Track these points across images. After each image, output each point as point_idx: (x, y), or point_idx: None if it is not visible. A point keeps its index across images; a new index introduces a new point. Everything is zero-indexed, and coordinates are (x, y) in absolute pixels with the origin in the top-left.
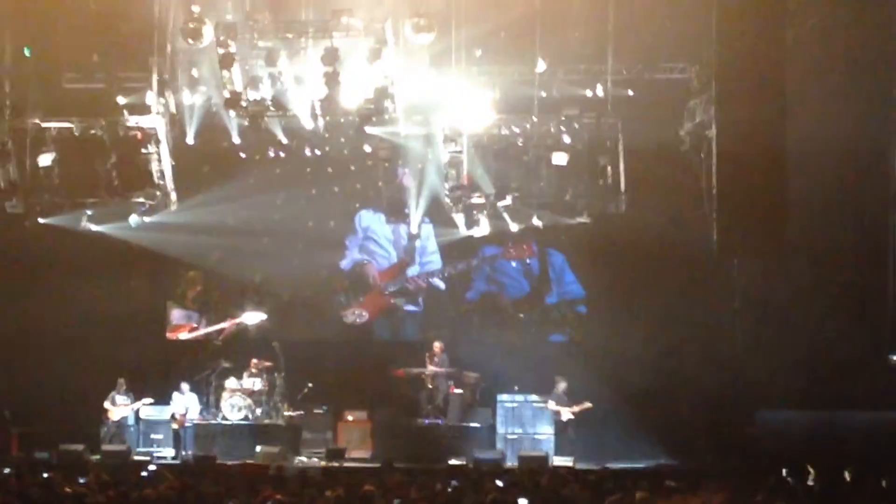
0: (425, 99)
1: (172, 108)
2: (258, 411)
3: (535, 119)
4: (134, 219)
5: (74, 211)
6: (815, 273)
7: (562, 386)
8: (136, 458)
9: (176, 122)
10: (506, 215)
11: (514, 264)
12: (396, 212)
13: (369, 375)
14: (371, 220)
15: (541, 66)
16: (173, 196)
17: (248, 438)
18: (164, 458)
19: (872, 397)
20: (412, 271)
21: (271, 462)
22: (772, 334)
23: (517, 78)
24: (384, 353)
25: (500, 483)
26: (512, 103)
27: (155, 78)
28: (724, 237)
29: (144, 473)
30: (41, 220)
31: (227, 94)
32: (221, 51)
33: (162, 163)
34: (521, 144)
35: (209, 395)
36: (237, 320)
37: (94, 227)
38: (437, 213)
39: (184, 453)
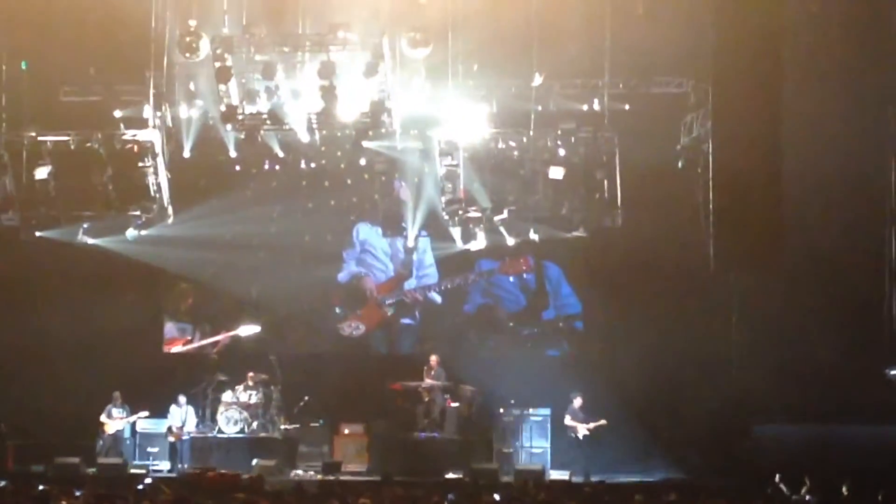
0: (422, 113)
1: (169, 122)
2: (254, 424)
3: (531, 133)
4: (131, 232)
5: (71, 224)
6: (812, 288)
7: (577, 402)
8: (133, 471)
9: (172, 136)
10: (502, 229)
11: (511, 278)
12: (393, 225)
13: (366, 389)
14: (368, 234)
15: (537, 80)
16: (170, 209)
17: (244, 452)
18: (161, 471)
19: (869, 412)
20: (409, 284)
21: (268, 475)
22: (769, 349)
23: (514, 92)
24: (381, 366)
25: (496, 497)
26: (508, 117)
27: (152, 91)
28: (720, 251)
29: (140, 487)
30: (37, 234)
31: (223, 108)
32: (218, 64)
33: (158, 176)
34: (517, 158)
35: (205, 409)
36: (231, 333)
37: (90, 241)
38: (433, 227)
39: (180, 466)
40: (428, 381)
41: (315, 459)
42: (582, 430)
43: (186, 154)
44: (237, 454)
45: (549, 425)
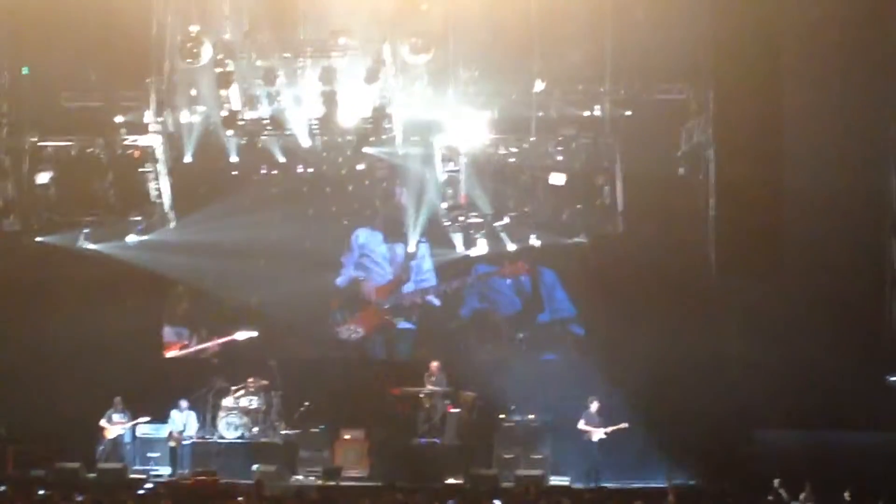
0: (423, 118)
1: (170, 127)
2: (255, 430)
3: (532, 139)
4: (131, 238)
5: (72, 229)
6: (813, 294)
7: (594, 406)
8: (132, 476)
9: (173, 142)
10: (503, 235)
11: (507, 281)
12: (394, 231)
13: (366, 394)
14: (367, 238)
15: (538, 86)
16: (171, 215)
17: (244, 457)
18: (161, 476)
19: (870, 418)
20: (407, 288)
21: (268, 481)
22: (770, 355)
23: (515, 98)
24: (381, 372)
25: (497, 502)
26: (509, 123)
27: (153, 97)
28: (721, 258)
29: (141, 492)
30: (38, 239)
31: (224, 114)
32: (219, 70)
33: (159, 182)
34: (518, 164)
35: (206, 414)
36: (228, 338)
37: (91, 246)
38: (434, 233)
39: (180, 472)
40: (428, 387)
41: (315, 465)
42: (597, 434)
43: (187, 160)
44: (238, 459)
45: (549, 431)
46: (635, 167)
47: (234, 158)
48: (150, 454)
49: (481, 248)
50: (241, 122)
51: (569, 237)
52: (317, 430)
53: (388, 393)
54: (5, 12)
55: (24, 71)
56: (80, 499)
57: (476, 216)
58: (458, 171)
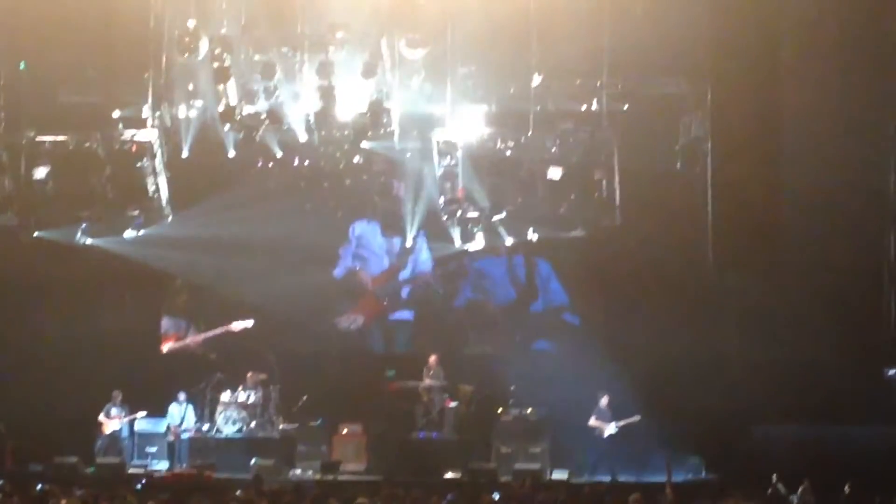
0: (420, 113)
1: (168, 122)
2: (253, 424)
3: (530, 133)
4: (129, 232)
5: (69, 224)
6: (810, 288)
7: (604, 401)
8: (131, 470)
9: (171, 136)
10: (501, 229)
11: (501, 271)
12: (392, 225)
13: (365, 388)
14: (365, 230)
15: (536, 80)
16: (168, 209)
17: (242, 451)
18: (159, 471)
19: (868, 412)
20: (404, 276)
21: (266, 475)
22: (767, 349)
23: (512, 92)
24: (379, 365)
25: (495, 497)
26: (507, 117)
27: (150, 92)
28: (719, 251)
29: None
30: (36, 234)
31: (222, 108)
32: (216, 64)
33: (157, 176)
34: (516, 158)
35: (204, 408)
36: (223, 328)
37: (88, 241)
38: (432, 227)
39: (178, 466)
40: (427, 381)
41: (314, 459)
42: (609, 429)
43: (185, 154)
44: (236, 454)
45: (547, 425)
46: (633, 161)
47: (231, 153)
48: (148, 449)
49: (479, 242)
50: (238, 117)
51: (566, 231)
52: (315, 424)
53: (387, 388)
54: (2, 8)
55: (22, 66)
56: (78, 493)
57: (474, 210)
58: (455, 165)
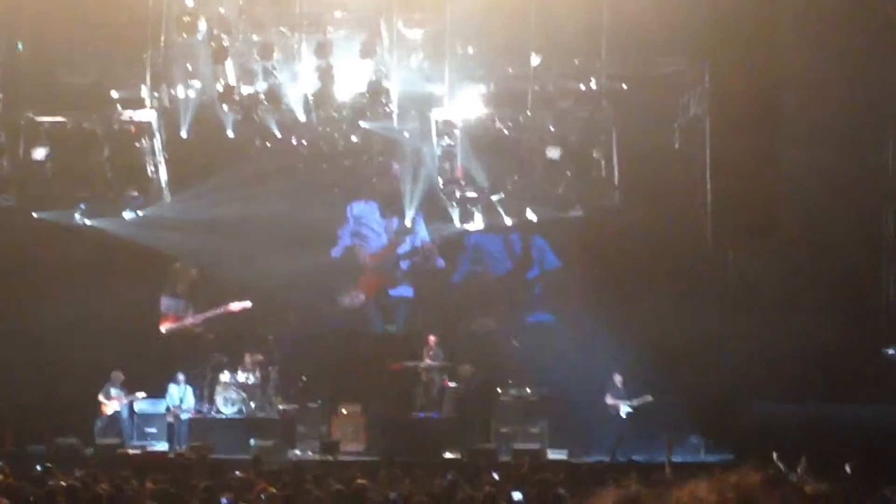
0: (419, 93)
1: (166, 102)
2: (252, 405)
3: (528, 113)
4: (128, 213)
5: (68, 205)
6: (809, 266)
7: (618, 379)
8: (130, 451)
9: (170, 116)
10: (500, 209)
11: (498, 243)
12: (391, 206)
13: (364, 369)
14: (363, 209)
15: (535, 59)
16: (167, 190)
17: (242, 432)
18: (159, 451)
19: (867, 391)
20: (403, 249)
21: (266, 455)
22: (766, 327)
23: (511, 72)
24: (378, 346)
25: (494, 476)
26: (506, 97)
27: (149, 72)
28: (717, 230)
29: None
30: (34, 215)
31: (220, 88)
32: (215, 45)
33: (156, 157)
34: (514, 138)
35: (203, 389)
36: (222, 309)
37: (87, 222)
38: (431, 207)
39: (178, 447)
40: (426, 362)
41: (313, 440)
42: (624, 407)
43: (184, 134)
44: (235, 435)
45: (546, 405)
46: (631, 140)
47: (230, 133)
48: (147, 429)
49: (478, 222)
50: (237, 97)
51: (565, 210)
52: (314, 404)
53: (387, 368)
54: None
55: (19, 46)
56: (78, 474)
57: (472, 190)
58: (454, 145)
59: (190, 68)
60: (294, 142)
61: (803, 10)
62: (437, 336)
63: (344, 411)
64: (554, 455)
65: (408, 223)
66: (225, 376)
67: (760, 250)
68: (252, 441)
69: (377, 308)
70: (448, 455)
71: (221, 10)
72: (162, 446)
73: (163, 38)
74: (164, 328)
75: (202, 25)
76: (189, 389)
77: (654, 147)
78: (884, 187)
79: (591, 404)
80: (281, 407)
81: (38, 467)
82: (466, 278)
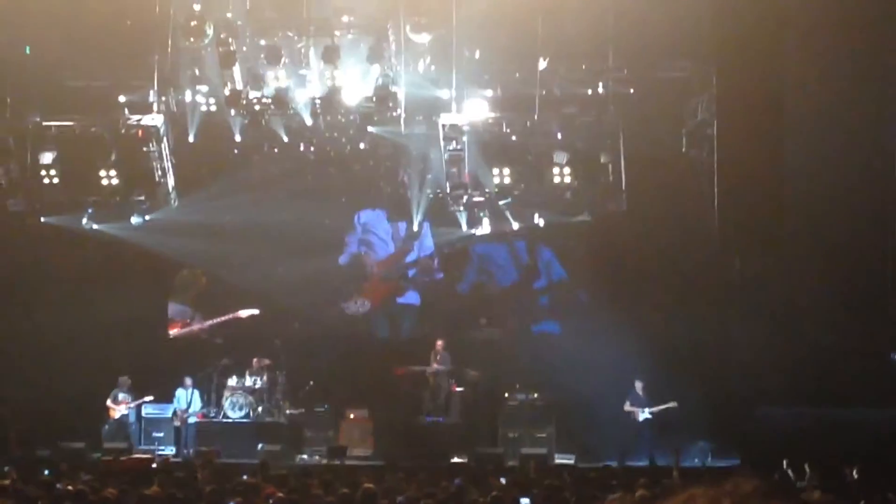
0: (426, 97)
1: (174, 107)
2: (259, 409)
3: (536, 117)
4: (135, 218)
5: (75, 210)
6: (816, 271)
7: (639, 385)
8: (137, 455)
9: (177, 121)
10: (507, 214)
11: (503, 253)
12: (397, 210)
13: (371, 373)
14: (370, 217)
15: (542, 64)
16: (174, 194)
17: (249, 437)
18: (166, 456)
19: (874, 395)
20: (411, 257)
21: (273, 460)
22: (773, 332)
23: (518, 76)
24: (385, 351)
25: (501, 481)
26: (513, 101)
27: (156, 76)
28: (725, 235)
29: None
30: (42, 219)
31: (228, 93)
32: (222, 49)
33: (163, 161)
34: (522, 143)
35: (211, 393)
36: (230, 315)
37: (94, 226)
38: (439, 212)
39: (185, 451)
40: (434, 366)
41: (320, 444)
42: (642, 414)
43: (191, 139)
44: (242, 439)
45: (553, 409)
46: (639, 145)
47: (237, 138)
48: (154, 434)
49: (485, 227)
50: (244, 102)
51: (572, 215)
52: (321, 409)
53: (393, 373)
54: None
55: (27, 51)
56: (86, 478)
57: (480, 195)
58: (461, 149)
59: (197, 73)
60: (301, 146)
61: (810, 15)
62: (445, 340)
63: (351, 416)
64: (561, 460)
65: (415, 227)
66: (232, 381)
67: (767, 254)
68: (259, 445)
69: (384, 315)
70: (455, 459)
71: (229, 15)
72: (169, 450)
73: (170, 43)
74: (171, 333)
75: (209, 30)
76: (197, 394)
77: (661, 152)
78: (891, 192)
79: (599, 409)
80: (288, 411)
81: (46, 472)
82: (473, 288)
